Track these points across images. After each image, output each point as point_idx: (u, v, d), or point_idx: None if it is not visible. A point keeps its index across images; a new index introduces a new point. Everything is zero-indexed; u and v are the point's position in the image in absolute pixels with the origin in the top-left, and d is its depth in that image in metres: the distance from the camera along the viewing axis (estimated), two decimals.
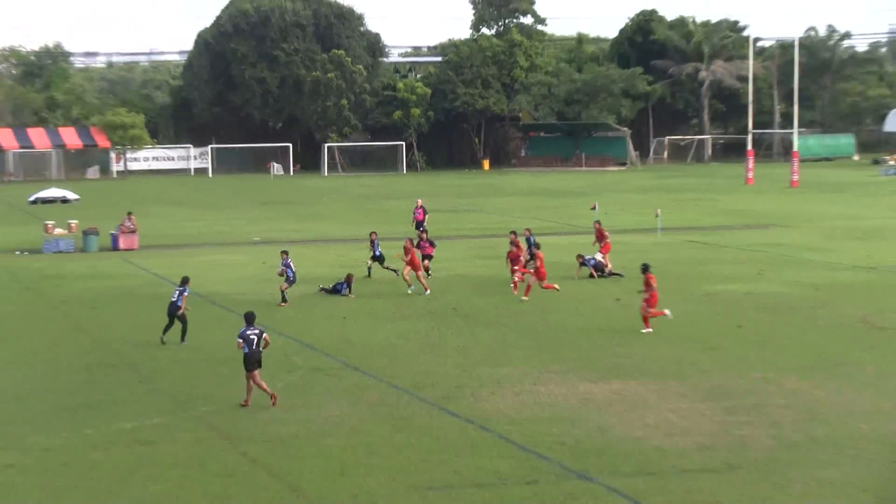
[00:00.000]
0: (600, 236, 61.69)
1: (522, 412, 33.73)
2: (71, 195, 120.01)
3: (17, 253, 74.02)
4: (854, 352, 41.05)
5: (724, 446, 30.12)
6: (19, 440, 31.76)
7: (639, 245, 72.96)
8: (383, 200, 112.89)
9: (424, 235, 62.40)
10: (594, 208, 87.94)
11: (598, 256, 60.17)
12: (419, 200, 79.46)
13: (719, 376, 37.67)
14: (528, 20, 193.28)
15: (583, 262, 59.60)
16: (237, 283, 59.35)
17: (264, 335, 34.90)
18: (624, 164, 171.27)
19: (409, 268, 54.60)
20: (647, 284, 45.36)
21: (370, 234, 60.82)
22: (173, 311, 43.02)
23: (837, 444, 30.13)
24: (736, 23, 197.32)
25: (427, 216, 75.81)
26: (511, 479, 27.83)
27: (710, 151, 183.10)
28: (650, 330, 44.58)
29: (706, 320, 47.68)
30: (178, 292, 43.29)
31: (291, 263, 52.25)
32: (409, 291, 54.77)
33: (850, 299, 51.97)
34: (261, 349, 34.62)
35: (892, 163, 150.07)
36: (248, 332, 34.70)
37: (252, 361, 34.47)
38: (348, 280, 55.11)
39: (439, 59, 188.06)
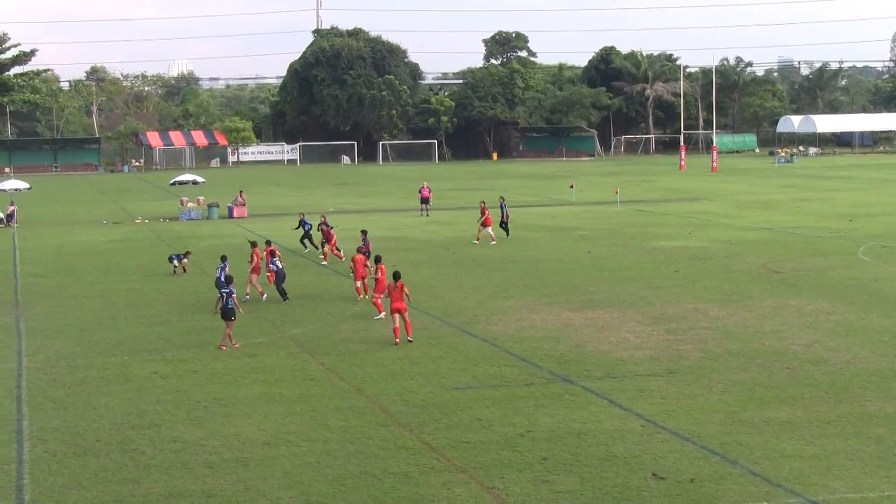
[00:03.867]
0: (483, 212, 57.09)
1: (521, 333, 33.41)
2: (199, 179, 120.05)
3: (161, 220, 73.96)
4: (758, 289, 40.62)
5: (666, 357, 29.78)
6: (161, 354, 31.59)
7: (604, 213, 72.57)
8: (420, 182, 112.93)
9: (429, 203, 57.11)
10: (572, 187, 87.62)
11: (488, 230, 56.58)
12: (424, 182, 79.20)
13: (662, 307, 37.29)
14: (523, 54, 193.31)
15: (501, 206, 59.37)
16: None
17: (233, 294, 32.39)
18: (592, 155, 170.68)
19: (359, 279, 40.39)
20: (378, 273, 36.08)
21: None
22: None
23: (747, 355, 29.78)
24: (671, 55, 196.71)
25: (431, 194, 75.39)
26: (514, 382, 27.53)
27: (653, 146, 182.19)
28: (381, 315, 35.99)
29: (652, 266, 47.23)
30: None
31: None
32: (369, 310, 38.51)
33: (754, 251, 51.52)
34: (231, 306, 32.04)
35: (782, 154, 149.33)
36: (223, 291, 32.63)
37: (224, 313, 32.19)
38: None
39: (461, 81, 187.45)
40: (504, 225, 58.70)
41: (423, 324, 35.10)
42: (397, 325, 32.30)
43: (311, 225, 54.60)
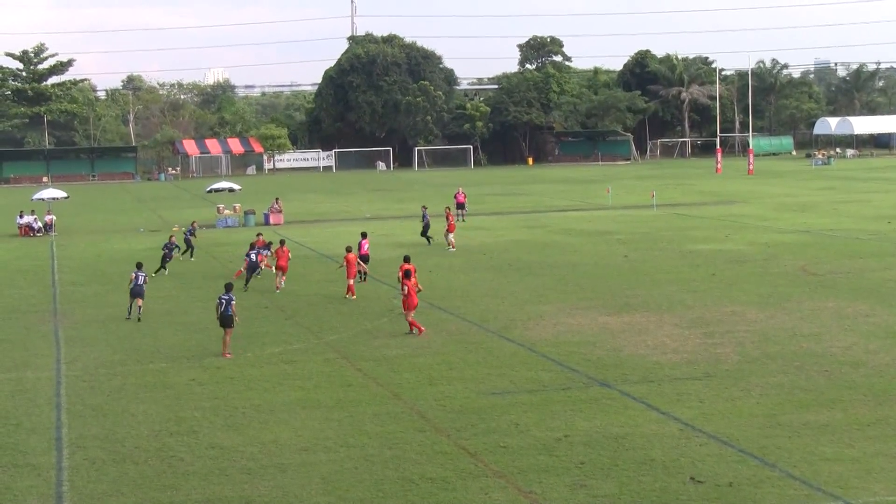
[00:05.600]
0: (448, 218, 57.93)
1: (558, 337, 33.38)
2: (235, 186, 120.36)
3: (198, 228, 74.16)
4: (796, 292, 40.43)
5: (704, 361, 29.68)
6: (198, 361, 31.71)
7: (640, 217, 72.37)
8: (455, 188, 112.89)
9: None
10: (608, 191, 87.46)
11: (451, 237, 56.84)
12: (460, 188, 79.43)
13: (700, 310, 37.17)
14: (558, 58, 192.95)
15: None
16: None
17: (233, 301, 32.40)
18: (628, 159, 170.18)
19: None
20: (348, 263, 41.05)
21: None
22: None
23: (785, 358, 29.66)
24: (706, 58, 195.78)
25: (467, 199, 75.42)
26: (551, 386, 27.50)
27: (689, 150, 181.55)
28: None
29: (689, 270, 47.07)
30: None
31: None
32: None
33: (791, 254, 51.30)
34: (230, 313, 32.07)
35: (819, 156, 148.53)
36: (222, 297, 32.46)
37: (224, 320, 32.26)
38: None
39: (496, 86, 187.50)
40: (424, 234, 59.43)
41: (460, 329, 35.12)
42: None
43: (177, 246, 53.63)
